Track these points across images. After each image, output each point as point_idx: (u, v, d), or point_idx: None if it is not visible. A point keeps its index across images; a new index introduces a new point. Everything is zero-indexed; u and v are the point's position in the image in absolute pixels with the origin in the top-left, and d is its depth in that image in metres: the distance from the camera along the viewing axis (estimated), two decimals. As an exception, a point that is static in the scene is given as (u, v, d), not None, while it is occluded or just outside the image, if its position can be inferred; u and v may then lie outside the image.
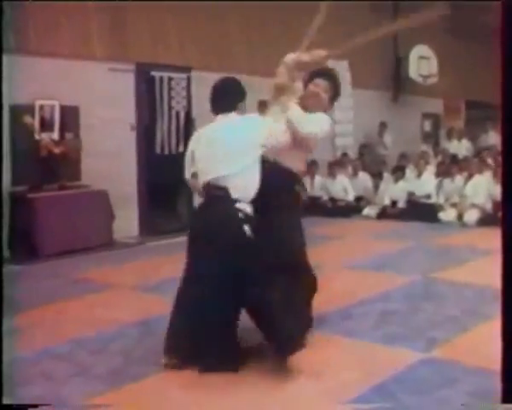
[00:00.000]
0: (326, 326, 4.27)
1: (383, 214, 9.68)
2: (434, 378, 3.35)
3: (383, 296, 5.10)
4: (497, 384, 3.17)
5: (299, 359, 3.49)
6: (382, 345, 3.92)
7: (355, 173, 10.54)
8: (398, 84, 12.93)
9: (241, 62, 9.26)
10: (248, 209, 3.57)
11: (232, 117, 3.75)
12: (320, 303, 4.64)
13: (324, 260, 6.46)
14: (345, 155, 11.21)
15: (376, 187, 10.28)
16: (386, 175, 10.40)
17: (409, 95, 12.99)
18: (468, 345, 3.94)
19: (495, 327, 4.17)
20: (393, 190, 9.89)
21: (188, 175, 3.99)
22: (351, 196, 10.19)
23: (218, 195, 3.56)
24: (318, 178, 10.39)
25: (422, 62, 12.73)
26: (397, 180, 9.90)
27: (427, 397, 3.14)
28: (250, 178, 3.59)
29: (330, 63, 11.23)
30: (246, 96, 3.90)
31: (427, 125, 13.82)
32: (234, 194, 3.53)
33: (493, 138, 13.43)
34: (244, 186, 3.57)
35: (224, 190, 3.54)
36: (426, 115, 13.77)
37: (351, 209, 10.05)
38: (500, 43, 2.53)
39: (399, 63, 12.79)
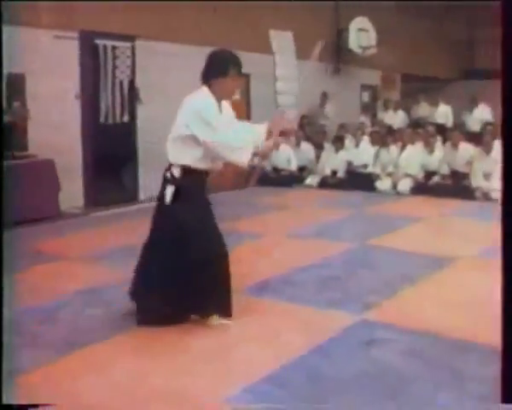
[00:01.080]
0: (269, 292, 4.39)
1: (324, 184, 9.82)
2: (368, 339, 3.50)
3: (324, 263, 5.22)
4: (426, 343, 3.46)
5: (244, 323, 3.65)
6: (322, 309, 4.04)
7: (298, 144, 10.61)
8: (339, 55, 12.96)
9: (188, 32, 9.11)
10: (175, 172, 3.67)
11: (201, 91, 3.69)
12: (264, 270, 4.91)
13: (268, 228, 6.70)
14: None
15: (318, 157, 10.39)
16: (327, 145, 10.49)
17: (349, 66, 13.05)
18: (399, 307, 4.12)
19: (423, 290, 4.48)
20: (334, 160, 10.03)
21: None
22: (294, 166, 10.27)
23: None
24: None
25: (362, 34, 12.75)
26: (337, 150, 10.05)
27: (360, 356, 3.30)
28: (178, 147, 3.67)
29: (274, 34, 11.38)
30: (226, 72, 3.66)
31: (366, 97, 13.97)
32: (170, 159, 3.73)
33: (425, 110, 13.79)
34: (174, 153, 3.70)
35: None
36: (364, 87, 13.90)
37: (294, 179, 10.13)
38: (500, 42, 2.48)
39: (340, 35, 12.78)
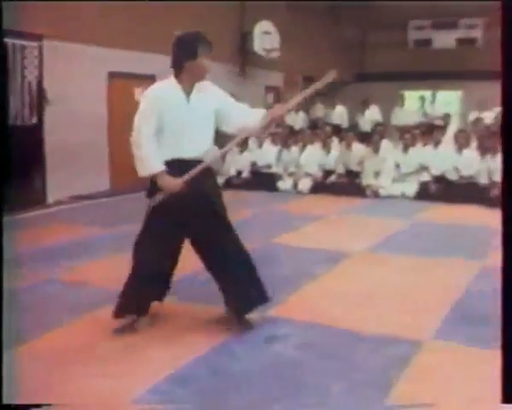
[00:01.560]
0: (174, 293, 4.28)
1: (229, 184, 9.93)
2: (269, 335, 3.64)
3: None
4: (323, 335, 3.65)
5: (152, 326, 3.76)
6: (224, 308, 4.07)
7: (205, 145, 10.75)
8: (244, 57, 13.11)
9: (93, 32, 8.97)
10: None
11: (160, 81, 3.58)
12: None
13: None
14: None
15: (223, 158, 10.49)
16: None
17: (254, 68, 13.24)
18: (300, 303, 4.30)
19: (322, 285, 4.72)
20: (238, 161, 10.24)
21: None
22: (200, 167, 10.39)
23: None
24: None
25: (266, 37, 12.97)
26: (241, 151, 10.27)
27: (262, 352, 3.44)
28: None
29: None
30: (196, 53, 3.45)
31: (270, 98, 14.18)
32: None
33: (321, 111, 14.29)
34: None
35: None
36: (269, 88, 14.13)
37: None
38: (500, 43, 2.45)
39: (245, 38, 12.96)
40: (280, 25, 13.22)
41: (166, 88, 3.52)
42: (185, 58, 3.46)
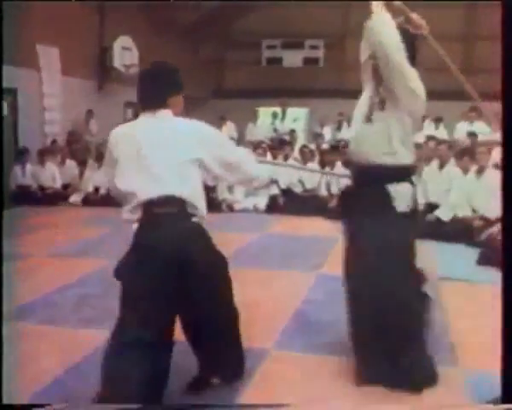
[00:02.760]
0: (30, 317, 4.32)
1: (87, 200, 9.80)
2: None
3: (82, 282, 5.25)
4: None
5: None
6: (77, 329, 4.09)
7: (63, 161, 10.45)
8: (103, 73, 12.88)
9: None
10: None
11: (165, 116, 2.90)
12: (25, 294, 4.77)
13: (32, 249, 6.49)
14: (54, 142, 10.94)
15: (82, 174, 10.31)
16: (91, 162, 10.43)
17: (113, 84, 13.03)
18: None
19: None
20: (96, 177, 10.00)
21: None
22: (58, 184, 10.08)
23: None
24: (29, 167, 10.06)
25: (125, 53, 12.83)
26: (99, 167, 10.09)
27: None
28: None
29: (40, 49, 11.01)
30: (182, 87, 3.03)
31: (129, 113, 14.03)
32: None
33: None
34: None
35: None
36: (128, 104, 13.94)
37: (58, 197, 9.93)
38: (500, 43, 2.42)
39: (105, 53, 12.72)
40: (139, 41, 13.15)
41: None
42: (174, 90, 2.99)
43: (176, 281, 2.74)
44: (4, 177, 9.52)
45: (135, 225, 2.84)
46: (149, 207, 2.76)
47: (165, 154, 2.79)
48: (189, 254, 2.75)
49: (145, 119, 2.92)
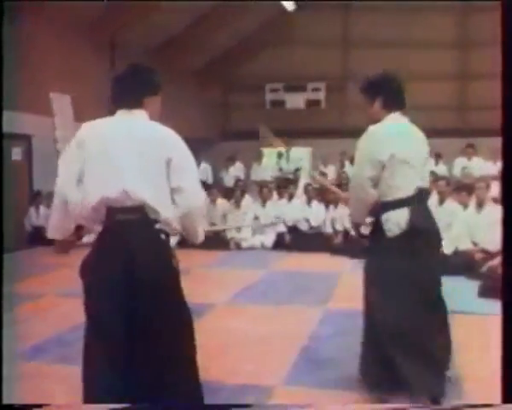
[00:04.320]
0: (42, 355, 4.30)
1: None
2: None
3: None
4: None
5: (15, 389, 3.46)
6: None
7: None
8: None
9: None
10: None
11: (139, 116, 2.72)
12: (38, 333, 4.80)
13: (45, 288, 6.52)
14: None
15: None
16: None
17: None
18: None
19: None
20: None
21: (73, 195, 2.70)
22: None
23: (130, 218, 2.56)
24: (43, 209, 10.07)
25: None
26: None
27: None
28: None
29: (53, 96, 11.19)
30: (159, 89, 2.86)
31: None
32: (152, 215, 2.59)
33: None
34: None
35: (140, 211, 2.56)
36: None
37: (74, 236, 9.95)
38: (500, 43, 2.38)
39: (115, 99, 12.96)
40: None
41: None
42: (151, 91, 2.83)
43: (124, 288, 2.53)
44: (17, 218, 9.58)
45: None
46: (110, 209, 2.56)
47: (131, 153, 2.58)
48: (138, 264, 2.52)
49: (119, 117, 2.74)
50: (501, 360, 2.29)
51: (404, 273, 3.24)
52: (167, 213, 2.60)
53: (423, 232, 3.30)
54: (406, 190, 3.31)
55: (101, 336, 2.62)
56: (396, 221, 3.27)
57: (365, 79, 3.49)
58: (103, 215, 2.58)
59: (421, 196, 3.36)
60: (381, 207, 3.33)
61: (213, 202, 9.81)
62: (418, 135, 3.48)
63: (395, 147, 3.25)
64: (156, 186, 2.59)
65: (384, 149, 3.25)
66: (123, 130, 2.66)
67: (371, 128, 3.34)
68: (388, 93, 3.37)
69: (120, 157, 2.58)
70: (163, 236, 2.62)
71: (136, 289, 2.53)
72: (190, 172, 2.72)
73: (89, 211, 2.61)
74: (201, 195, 2.82)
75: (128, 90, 2.74)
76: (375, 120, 3.39)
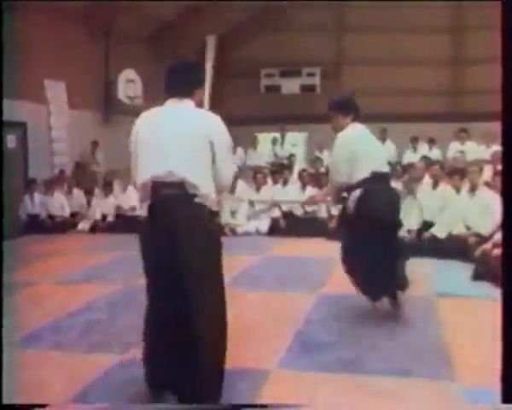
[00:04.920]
0: (39, 343, 4.27)
1: (95, 228, 9.79)
2: (127, 378, 3.54)
3: (89, 307, 5.20)
4: None
5: (11, 378, 3.36)
6: (85, 354, 4.03)
7: (70, 190, 10.45)
8: (108, 105, 12.88)
9: None
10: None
11: (187, 104, 3.13)
12: (34, 321, 4.75)
13: (41, 276, 6.46)
14: (62, 172, 10.93)
15: (89, 203, 10.31)
16: (98, 191, 10.45)
17: (118, 115, 12.88)
18: None
19: None
20: (104, 205, 10.05)
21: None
22: (67, 212, 10.08)
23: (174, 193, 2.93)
24: (38, 196, 10.06)
25: (129, 85, 12.85)
26: (106, 195, 10.14)
27: (119, 396, 3.33)
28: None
29: (48, 84, 11.09)
30: (204, 82, 3.49)
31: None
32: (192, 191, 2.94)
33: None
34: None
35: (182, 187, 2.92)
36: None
37: (67, 225, 9.92)
38: (500, 43, 2.40)
39: (109, 85, 12.76)
40: (143, 73, 13.16)
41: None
42: (199, 84, 3.28)
43: (167, 249, 2.87)
44: (12, 206, 9.52)
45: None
46: (156, 185, 2.93)
47: (177, 137, 2.95)
48: (178, 230, 2.86)
49: (170, 105, 3.13)
50: (501, 360, 2.28)
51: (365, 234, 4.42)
52: (206, 189, 2.96)
53: (373, 209, 4.38)
54: (364, 172, 4.47)
55: (154, 294, 3.00)
56: (352, 199, 4.48)
57: (336, 100, 4.81)
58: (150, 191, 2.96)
59: (375, 178, 4.47)
60: (347, 190, 4.58)
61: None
62: (372, 135, 4.77)
63: (362, 143, 4.57)
64: (197, 166, 2.94)
65: (356, 145, 4.53)
66: (171, 117, 3.05)
67: (344, 133, 4.59)
68: (356, 109, 4.66)
69: (167, 141, 2.94)
70: (201, 208, 2.94)
71: (177, 251, 2.86)
72: (226, 152, 3.11)
73: (140, 188, 3.03)
74: (231, 174, 3.25)
75: (181, 83, 3.14)
76: (340, 129, 4.63)
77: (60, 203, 10.02)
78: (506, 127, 2.32)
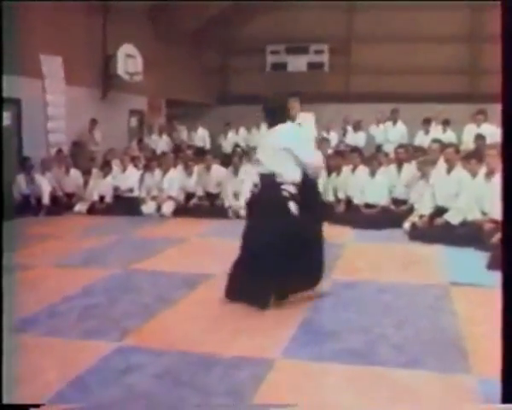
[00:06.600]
0: (34, 328, 4.28)
1: (92, 210, 9.76)
2: (124, 366, 3.55)
3: (86, 291, 5.21)
4: (177, 362, 3.61)
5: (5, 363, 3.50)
6: (80, 340, 4.03)
7: (67, 170, 10.43)
8: (107, 81, 12.79)
9: None
10: (291, 189, 4.71)
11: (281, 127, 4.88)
12: (29, 304, 4.74)
13: (36, 259, 6.46)
14: (59, 151, 10.85)
15: (86, 183, 10.28)
16: (95, 171, 10.41)
17: (117, 92, 12.97)
18: (156, 330, 4.23)
19: (180, 310, 4.70)
20: (101, 186, 10.02)
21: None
22: (61, 192, 10.06)
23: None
24: (33, 176, 9.92)
25: (129, 60, 12.74)
26: (105, 176, 10.11)
27: (115, 384, 3.32)
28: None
29: (44, 58, 11.01)
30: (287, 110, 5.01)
31: (134, 122, 14.05)
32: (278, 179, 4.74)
33: (183, 134, 14.34)
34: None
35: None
36: (133, 112, 13.98)
37: (63, 206, 9.92)
38: (500, 43, 2.45)
39: (108, 61, 12.65)
40: (143, 48, 13.10)
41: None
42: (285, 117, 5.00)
43: (261, 215, 4.87)
44: (6, 187, 9.49)
45: None
46: (259, 178, 4.98)
47: (270, 147, 4.83)
48: (272, 205, 4.77)
49: (269, 128, 5.04)
50: (501, 360, 2.32)
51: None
52: (289, 178, 4.72)
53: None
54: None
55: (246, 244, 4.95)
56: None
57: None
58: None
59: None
60: None
61: (208, 168, 9.71)
62: None
63: None
64: (281, 163, 4.73)
65: None
66: (268, 134, 5.00)
67: None
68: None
69: (264, 150, 4.92)
70: (285, 191, 4.72)
71: (266, 217, 4.78)
72: (302, 150, 4.81)
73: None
74: (313, 161, 4.94)
75: (272, 118, 4.96)
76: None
77: (56, 183, 10.03)
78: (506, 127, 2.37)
